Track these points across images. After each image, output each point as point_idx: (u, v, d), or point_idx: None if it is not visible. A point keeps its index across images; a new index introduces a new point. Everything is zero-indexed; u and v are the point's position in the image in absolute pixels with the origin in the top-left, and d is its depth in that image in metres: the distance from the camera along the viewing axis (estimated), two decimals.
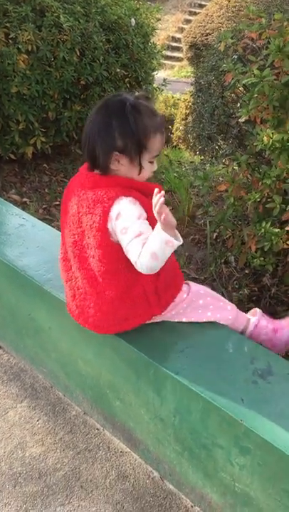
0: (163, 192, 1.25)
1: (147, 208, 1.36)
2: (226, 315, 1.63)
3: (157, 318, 1.56)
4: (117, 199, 1.34)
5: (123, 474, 1.74)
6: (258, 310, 1.76)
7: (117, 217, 1.34)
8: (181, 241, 1.29)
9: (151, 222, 1.35)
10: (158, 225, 1.27)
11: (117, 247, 1.38)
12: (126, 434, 1.79)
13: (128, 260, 1.36)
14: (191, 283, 1.66)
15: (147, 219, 1.36)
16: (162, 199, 1.23)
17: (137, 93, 1.41)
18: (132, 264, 1.35)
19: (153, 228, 1.32)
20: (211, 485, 1.51)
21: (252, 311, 1.78)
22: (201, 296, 1.62)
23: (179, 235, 1.31)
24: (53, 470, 1.75)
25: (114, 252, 1.39)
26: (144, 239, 1.31)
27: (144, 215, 1.36)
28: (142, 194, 1.38)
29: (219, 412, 1.34)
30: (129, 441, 1.80)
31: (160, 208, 1.22)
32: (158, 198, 1.23)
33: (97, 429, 1.90)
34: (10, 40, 3.41)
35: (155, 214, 1.25)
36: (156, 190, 1.25)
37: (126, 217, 1.33)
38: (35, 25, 3.49)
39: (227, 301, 1.68)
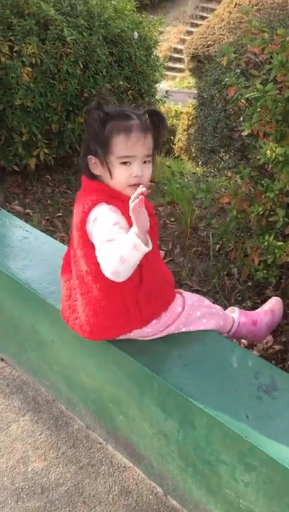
0: (143, 188, 1.22)
1: (129, 218, 1.34)
2: (218, 320, 1.67)
3: (159, 334, 1.56)
4: (98, 204, 1.36)
5: (126, 490, 1.72)
6: (236, 308, 1.82)
7: (94, 220, 1.35)
8: (150, 247, 1.25)
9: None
10: (131, 229, 1.25)
11: (94, 250, 1.38)
12: (129, 448, 1.77)
13: None
14: (186, 294, 1.66)
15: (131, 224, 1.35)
16: (141, 197, 1.19)
17: (145, 108, 1.42)
18: None
19: None
20: (215, 501, 1.50)
21: (229, 309, 1.84)
22: (197, 308, 1.63)
23: (149, 241, 1.27)
24: (55, 485, 1.74)
25: (94, 254, 1.38)
26: (114, 244, 1.30)
27: (123, 223, 1.34)
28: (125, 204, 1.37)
29: (223, 427, 1.33)
30: (132, 456, 1.79)
31: (136, 206, 1.19)
32: (136, 193, 1.20)
33: (100, 443, 1.88)
34: (14, 53, 3.45)
35: (130, 212, 1.22)
36: (139, 187, 1.22)
37: (102, 222, 1.34)
38: (39, 39, 3.53)
39: (216, 306, 1.73)
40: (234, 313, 1.78)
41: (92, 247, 1.38)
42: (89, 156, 1.39)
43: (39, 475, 1.77)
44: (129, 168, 1.37)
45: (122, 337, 1.54)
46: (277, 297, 1.91)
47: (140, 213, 1.22)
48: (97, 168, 1.41)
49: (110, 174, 1.38)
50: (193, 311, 1.61)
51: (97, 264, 1.37)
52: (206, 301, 1.70)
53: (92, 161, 1.40)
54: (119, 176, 1.38)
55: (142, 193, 1.20)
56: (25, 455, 1.84)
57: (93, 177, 1.43)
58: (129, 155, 1.36)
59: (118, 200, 1.37)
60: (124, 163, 1.36)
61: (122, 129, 1.34)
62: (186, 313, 1.59)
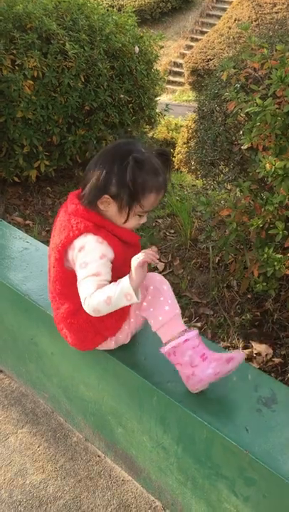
0: (156, 249, 1.30)
1: (117, 246, 1.37)
2: (157, 314, 1.43)
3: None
4: (85, 233, 1.34)
5: (124, 504, 1.71)
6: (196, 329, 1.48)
7: (80, 249, 1.34)
8: (139, 300, 1.30)
9: (119, 261, 1.37)
10: (128, 275, 1.29)
11: (71, 274, 1.39)
12: (128, 461, 1.76)
13: (77, 289, 1.37)
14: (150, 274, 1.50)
15: (114, 261, 1.36)
16: (151, 258, 1.27)
17: (155, 147, 1.42)
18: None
19: (115, 273, 1.35)
20: None
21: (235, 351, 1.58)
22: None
23: (140, 293, 1.32)
24: (53, 498, 1.72)
25: (66, 278, 1.42)
26: (101, 280, 1.32)
27: (109, 256, 1.35)
28: (116, 238, 1.38)
29: (223, 441, 1.32)
30: (130, 470, 1.77)
31: (141, 263, 1.26)
32: (152, 252, 1.27)
33: (99, 456, 1.87)
34: (16, 67, 3.49)
35: (136, 260, 1.27)
36: (154, 247, 1.30)
37: (88, 253, 1.34)
38: (41, 52, 3.57)
39: (169, 298, 1.45)
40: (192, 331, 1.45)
41: (67, 271, 1.40)
42: (106, 196, 1.34)
43: (37, 488, 1.76)
44: (141, 219, 1.41)
45: (105, 345, 1.55)
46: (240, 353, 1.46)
47: (142, 270, 1.28)
48: (108, 207, 1.36)
49: (126, 221, 1.38)
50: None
51: (68, 288, 1.41)
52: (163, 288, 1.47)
53: (108, 200, 1.35)
54: (131, 224, 1.40)
55: (154, 257, 1.27)
56: (24, 467, 1.83)
57: (90, 206, 1.37)
58: (149, 210, 1.40)
59: (104, 230, 1.36)
60: (140, 215, 1.39)
61: (155, 188, 1.35)
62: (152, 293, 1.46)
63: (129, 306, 1.45)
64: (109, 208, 1.36)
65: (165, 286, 1.45)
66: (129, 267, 1.35)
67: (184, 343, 1.39)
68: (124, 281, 1.29)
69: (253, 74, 2.32)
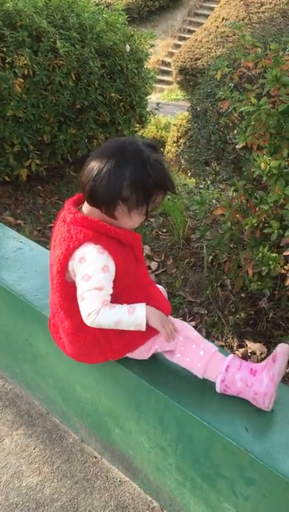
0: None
1: (118, 254, 1.33)
2: (196, 362, 1.44)
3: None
4: (85, 243, 1.30)
5: (122, 504, 1.70)
6: (231, 355, 1.46)
7: (80, 260, 1.31)
8: (144, 328, 1.36)
9: (120, 270, 1.34)
10: (144, 306, 1.35)
11: (72, 289, 1.36)
12: (125, 462, 1.75)
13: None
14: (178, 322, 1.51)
15: (117, 266, 1.33)
16: (169, 336, 1.39)
17: (144, 140, 1.41)
18: None
19: (114, 282, 1.33)
20: None
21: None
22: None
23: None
24: (50, 500, 1.71)
25: (68, 291, 1.38)
26: (105, 295, 1.31)
27: (110, 266, 1.32)
28: (116, 241, 1.35)
29: (223, 441, 1.32)
30: (128, 470, 1.77)
31: (167, 337, 1.40)
32: (173, 336, 1.40)
33: (95, 457, 1.86)
34: (6, 65, 3.45)
35: (165, 320, 1.39)
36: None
37: (89, 265, 1.30)
38: (32, 50, 3.53)
39: (201, 343, 1.45)
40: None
41: (69, 284, 1.37)
42: (119, 201, 1.29)
43: (33, 490, 1.74)
44: (145, 217, 1.40)
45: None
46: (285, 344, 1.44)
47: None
48: (119, 210, 1.31)
49: (132, 221, 1.36)
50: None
51: (70, 303, 1.39)
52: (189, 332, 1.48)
53: (120, 205, 1.30)
54: (136, 223, 1.38)
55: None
56: (19, 470, 1.81)
57: (111, 216, 1.33)
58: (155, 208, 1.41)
59: (105, 237, 1.32)
60: (145, 214, 1.37)
61: (168, 188, 1.35)
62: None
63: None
64: (118, 211, 1.31)
65: (194, 332, 1.48)
66: (130, 274, 1.37)
67: (226, 372, 1.39)
68: (140, 312, 1.32)
69: (246, 73, 2.33)
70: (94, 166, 1.29)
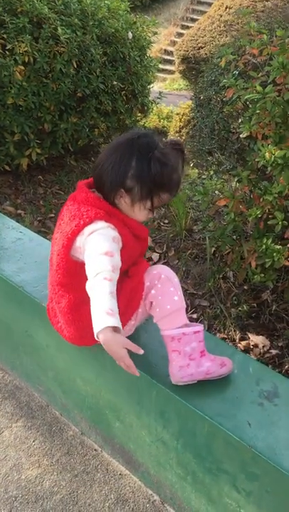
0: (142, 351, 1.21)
1: (126, 241, 1.33)
2: (165, 303, 1.40)
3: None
4: (95, 220, 1.29)
5: (122, 498, 1.69)
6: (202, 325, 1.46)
7: (90, 233, 1.28)
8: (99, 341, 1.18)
9: (126, 253, 1.33)
10: (113, 335, 1.14)
11: (74, 264, 1.35)
12: (125, 456, 1.74)
13: (81, 279, 1.27)
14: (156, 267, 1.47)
15: (122, 249, 1.31)
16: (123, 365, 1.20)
17: (169, 138, 1.38)
18: (83, 285, 1.25)
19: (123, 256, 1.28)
20: (215, 511, 1.47)
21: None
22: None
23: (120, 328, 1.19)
24: (49, 493, 1.70)
25: (70, 268, 1.36)
26: (114, 261, 1.23)
27: (119, 243, 1.30)
28: (126, 228, 1.35)
29: (225, 436, 1.30)
30: (128, 464, 1.75)
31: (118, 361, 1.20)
32: (127, 365, 1.20)
33: (95, 450, 1.84)
34: (7, 52, 3.40)
35: (121, 350, 1.17)
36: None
37: (101, 234, 1.28)
38: (33, 37, 3.48)
39: (179, 290, 1.43)
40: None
41: (71, 261, 1.35)
42: (121, 190, 1.31)
43: (33, 483, 1.73)
44: (150, 214, 1.38)
45: None
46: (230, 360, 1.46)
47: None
48: (121, 200, 1.34)
49: (135, 214, 1.35)
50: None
51: (70, 279, 1.37)
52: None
53: (122, 194, 1.32)
54: (141, 217, 1.37)
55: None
56: (19, 462, 1.79)
57: (109, 199, 1.34)
58: (159, 206, 1.38)
59: (115, 218, 1.33)
60: (150, 210, 1.36)
61: (172, 187, 1.32)
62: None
63: (139, 299, 1.42)
64: (121, 201, 1.33)
65: (176, 278, 1.43)
66: (130, 263, 1.35)
67: (193, 334, 1.38)
68: (104, 328, 1.14)
69: (251, 60, 2.27)
70: (106, 152, 1.32)
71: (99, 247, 1.24)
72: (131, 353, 1.20)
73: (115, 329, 1.16)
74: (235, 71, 2.30)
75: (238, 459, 1.30)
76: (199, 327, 1.41)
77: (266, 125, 2.00)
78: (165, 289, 1.40)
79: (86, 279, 1.24)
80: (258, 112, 1.99)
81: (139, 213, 1.35)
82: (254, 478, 1.29)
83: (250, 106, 2.07)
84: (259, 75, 2.11)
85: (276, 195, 1.99)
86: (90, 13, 3.83)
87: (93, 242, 1.27)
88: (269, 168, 1.98)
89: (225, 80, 2.19)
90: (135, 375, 1.23)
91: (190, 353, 1.39)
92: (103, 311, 1.16)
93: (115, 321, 1.15)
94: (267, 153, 1.96)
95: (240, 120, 2.36)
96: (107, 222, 1.30)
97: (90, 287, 1.21)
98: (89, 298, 1.22)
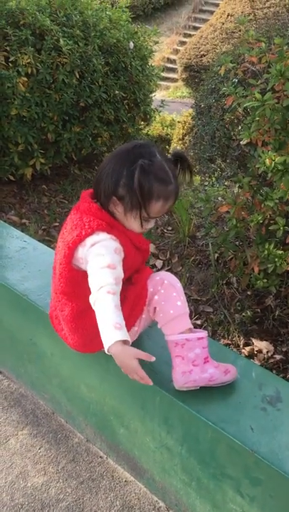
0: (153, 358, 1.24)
1: (128, 252, 1.35)
2: (169, 308, 1.42)
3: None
4: (97, 231, 1.31)
5: (128, 505, 1.69)
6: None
7: (92, 245, 1.30)
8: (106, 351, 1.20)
9: (128, 262, 1.35)
10: (124, 347, 1.18)
11: (76, 273, 1.36)
12: (131, 462, 1.74)
13: (84, 288, 1.30)
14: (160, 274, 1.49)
15: (123, 259, 1.33)
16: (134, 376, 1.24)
17: (175, 150, 1.39)
18: (86, 293, 1.28)
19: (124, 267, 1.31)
20: None
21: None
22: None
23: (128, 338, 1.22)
24: (55, 501, 1.70)
25: (72, 277, 1.38)
26: (116, 274, 1.26)
27: (121, 254, 1.33)
28: (128, 239, 1.36)
29: (228, 441, 1.30)
30: (133, 470, 1.75)
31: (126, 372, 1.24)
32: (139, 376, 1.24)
33: (101, 457, 1.85)
34: (10, 64, 3.45)
35: (131, 360, 1.21)
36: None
37: (103, 246, 1.29)
38: (35, 49, 3.53)
39: (182, 295, 1.45)
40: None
41: (73, 270, 1.36)
42: (114, 197, 1.32)
43: (39, 490, 1.73)
44: (146, 224, 1.38)
45: None
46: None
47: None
48: (115, 209, 1.35)
49: (130, 223, 1.36)
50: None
51: (72, 287, 1.39)
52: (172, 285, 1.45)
53: (115, 202, 1.34)
54: (135, 227, 1.37)
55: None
56: (25, 470, 1.80)
57: (103, 207, 1.36)
58: (156, 216, 1.38)
59: (116, 229, 1.35)
60: (146, 220, 1.36)
61: (161, 197, 1.31)
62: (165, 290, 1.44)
63: (143, 306, 1.44)
64: (116, 210, 1.35)
65: (179, 284, 1.45)
66: (132, 271, 1.37)
67: (197, 340, 1.40)
68: (114, 343, 1.17)
69: (250, 68, 2.30)
70: (105, 162, 1.35)
71: (101, 260, 1.27)
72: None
73: (125, 342, 1.19)
74: (235, 79, 2.32)
75: (241, 464, 1.31)
76: (203, 333, 1.42)
77: (266, 132, 2.02)
78: (168, 294, 1.42)
79: (89, 287, 1.26)
80: (257, 119, 2.01)
81: (134, 223, 1.35)
82: (258, 483, 1.29)
83: (250, 113, 2.09)
84: (258, 83, 2.13)
85: (277, 201, 2.00)
86: (92, 24, 3.88)
87: (96, 254, 1.29)
88: (269, 174, 1.99)
89: (225, 88, 2.22)
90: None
91: (193, 359, 1.40)
92: (111, 326, 1.19)
93: (124, 335, 1.18)
94: (267, 160, 1.97)
95: (240, 127, 2.38)
96: (109, 234, 1.32)
97: (93, 301, 1.24)
98: (89, 309, 1.26)
